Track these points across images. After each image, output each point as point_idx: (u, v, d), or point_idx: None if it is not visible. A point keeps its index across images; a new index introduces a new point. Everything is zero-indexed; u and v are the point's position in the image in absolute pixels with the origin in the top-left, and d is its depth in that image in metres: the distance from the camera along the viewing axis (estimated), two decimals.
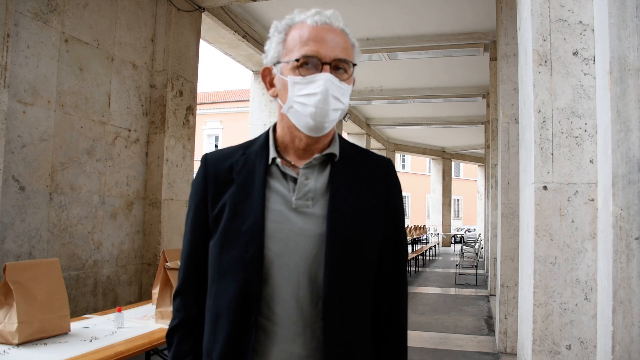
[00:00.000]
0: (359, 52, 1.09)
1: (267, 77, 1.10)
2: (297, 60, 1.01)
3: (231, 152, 1.11)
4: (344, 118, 11.49)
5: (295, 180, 1.04)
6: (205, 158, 1.12)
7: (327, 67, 1.00)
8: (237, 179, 1.05)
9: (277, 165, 1.06)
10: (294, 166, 1.07)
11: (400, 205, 1.15)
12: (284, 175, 1.05)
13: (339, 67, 1.02)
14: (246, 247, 1.00)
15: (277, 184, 1.05)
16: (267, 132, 1.12)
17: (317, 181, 1.05)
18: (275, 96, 1.08)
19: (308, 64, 1.01)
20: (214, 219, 1.05)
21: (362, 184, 1.08)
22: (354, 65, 1.05)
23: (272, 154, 1.07)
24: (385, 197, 1.10)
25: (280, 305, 1.00)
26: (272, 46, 1.06)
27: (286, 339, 0.99)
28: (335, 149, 1.08)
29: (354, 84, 1.08)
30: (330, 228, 1.00)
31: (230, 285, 1.01)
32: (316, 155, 1.06)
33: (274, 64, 1.06)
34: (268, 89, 1.10)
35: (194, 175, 1.13)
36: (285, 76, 1.03)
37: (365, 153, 1.15)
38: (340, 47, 1.02)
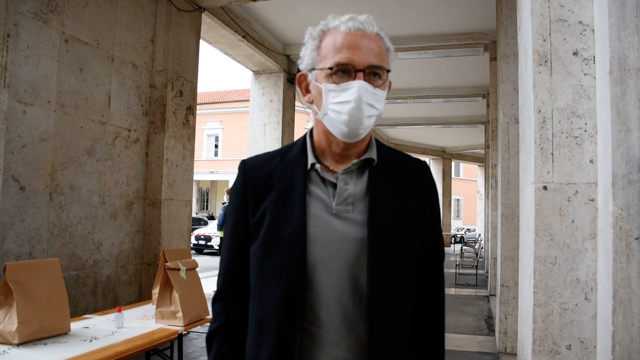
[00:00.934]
0: (394, 55, 1.09)
1: (302, 83, 1.11)
2: (330, 68, 1.02)
3: (269, 158, 1.12)
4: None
5: (334, 185, 1.06)
6: (244, 165, 1.13)
7: (360, 75, 1.00)
8: (277, 185, 1.06)
9: (316, 171, 1.07)
10: (332, 171, 1.08)
11: (437, 208, 1.17)
12: (323, 180, 1.07)
13: (374, 73, 1.02)
14: (289, 252, 1.01)
15: (316, 190, 1.06)
16: (304, 138, 1.13)
17: (356, 186, 1.06)
18: (311, 102, 1.09)
19: (342, 72, 1.01)
20: (255, 224, 1.07)
21: (400, 188, 1.09)
22: (388, 70, 1.05)
23: (311, 159, 1.08)
24: (423, 200, 1.12)
25: (324, 309, 1.01)
26: (307, 53, 1.07)
27: (331, 342, 1.01)
28: (373, 153, 1.09)
29: (390, 88, 1.09)
30: (372, 232, 1.02)
31: (275, 291, 1.02)
32: (355, 161, 1.07)
33: (309, 71, 1.07)
34: (304, 95, 1.12)
35: (234, 181, 1.15)
36: (319, 83, 1.04)
37: (402, 157, 1.16)
38: (375, 53, 1.02)
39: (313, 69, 1.06)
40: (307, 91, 1.10)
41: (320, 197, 1.05)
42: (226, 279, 1.13)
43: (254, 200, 1.08)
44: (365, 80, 1.01)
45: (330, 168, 1.08)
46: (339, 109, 1.01)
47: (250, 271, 1.09)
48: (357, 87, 1.00)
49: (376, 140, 1.14)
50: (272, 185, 1.07)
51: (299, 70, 1.12)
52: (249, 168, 1.12)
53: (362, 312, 1.01)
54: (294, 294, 1.01)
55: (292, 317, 1.01)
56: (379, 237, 1.02)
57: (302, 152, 1.10)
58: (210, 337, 1.12)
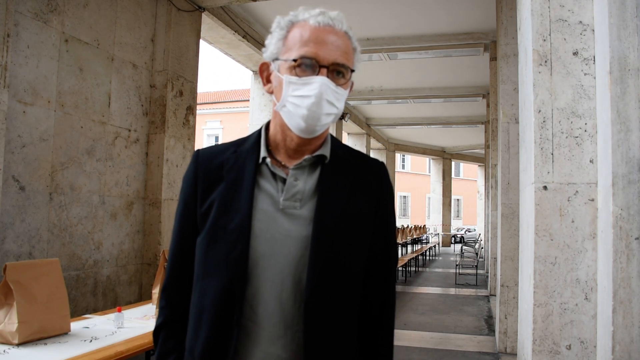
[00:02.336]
0: (359, 56, 1.07)
1: (264, 72, 1.08)
2: (294, 60, 0.99)
3: (223, 150, 1.10)
4: (343, 118, 11.50)
5: (284, 180, 1.03)
6: (197, 154, 1.11)
7: (324, 71, 0.99)
8: (227, 177, 1.04)
9: (267, 165, 1.05)
10: (284, 166, 1.05)
11: (391, 210, 1.14)
12: (274, 175, 1.04)
13: (337, 71, 1.00)
14: (232, 245, 0.99)
15: (266, 184, 1.04)
16: (259, 130, 1.11)
17: (306, 182, 1.04)
18: (271, 92, 1.07)
19: (306, 65, 0.99)
20: (202, 215, 1.04)
21: (352, 187, 1.06)
22: (352, 71, 1.03)
23: (263, 153, 1.05)
24: (376, 201, 1.09)
25: (262, 306, 0.99)
26: (272, 42, 1.05)
27: (267, 340, 0.99)
28: (326, 150, 1.07)
29: (351, 89, 1.07)
30: (316, 230, 0.99)
31: (215, 284, 1.00)
32: (306, 157, 1.05)
33: (273, 60, 1.05)
34: (264, 84, 1.09)
35: (184, 174, 1.13)
36: (281, 74, 1.02)
37: (358, 155, 1.14)
38: (341, 50, 1.00)
39: (277, 59, 1.03)
40: (268, 81, 1.08)
41: (269, 191, 1.03)
42: (172, 271, 1.11)
43: (202, 191, 1.06)
44: (328, 77, 0.99)
45: (283, 163, 1.06)
46: (299, 102, 0.99)
47: (195, 262, 1.06)
48: (319, 82, 0.98)
49: (332, 137, 1.12)
50: (222, 177, 1.05)
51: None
52: (201, 159, 1.09)
53: (301, 311, 0.99)
54: (232, 288, 0.98)
55: (229, 311, 0.98)
56: (324, 236, 0.99)
57: (256, 144, 1.08)
58: (156, 333, 1.11)
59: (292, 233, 1.00)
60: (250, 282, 0.99)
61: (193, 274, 1.07)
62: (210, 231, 1.02)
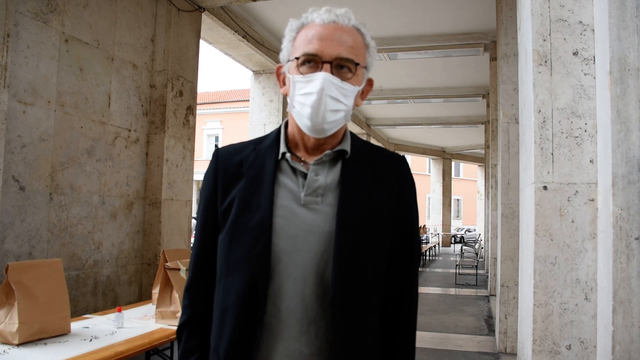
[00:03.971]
0: (374, 52, 1.06)
1: (280, 75, 1.09)
2: (297, 58, 1.00)
3: (242, 147, 1.10)
4: None
5: (305, 175, 1.03)
6: (217, 152, 1.11)
7: (327, 66, 0.98)
8: (246, 174, 1.04)
9: (287, 161, 1.04)
10: (304, 162, 1.05)
11: (414, 204, 1.13)
12: (294, 170, 1.04)
13: (343, 65, 1.00)
14: (254, 242, 0.98)
15: (286, 180, 1.03)
16: (279, 128, 1.11)
17: (327, 177, 1.03)
18: (286, 94, 1.07)
19: (310, 62, 0.99)
20: (222, 213, 1.04)
21: (373, 181, 1.06)
22: (362, 66, 1.03)
23: (282, 149, 1.05)
24: (398, 195, 1.08)
25: (285, 302, 0.98)
26: (285, 45, 1.06)
27: (290, 336, 0.98)
28: (346, 145, 1.07)
29: (371, 86, 1.07)
30: (340, 225, 0.99)
31: (238, 281, 1.00)
32: (327, 152, 1.04)
33: (286, 62, 1.06)
34: (281, 87, 1.10)
35: (205, 173, 1.13)
36: (291, 74, 1.02)
37: (378, 150, 1.13)
38: (346, 45, 0.99)
39: (288, 60, 1.04)
40: (284, 83, 1.08)
41: (290, 187, 1.02)
42: (195, 270, 1.11)
43: (223, 189, 1.05)
44: (332, 72, 0.98)
45: (302, 159, 1.05)
46: (304, 100, 0.99)
47: (217, 261, 1.06)
48: (321, 78, 0.97)
49: (351, 133, 1.11)
50: (242, 174, 1.04)
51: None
52: (221, 157, 1.10)
53: (324, 306, 0.98)
54: (256, 286, 0.98)
55: (252, 308, 0.98)
56: (347, 231, 0.99)
57: (276, 141, 1.08)
58: (179, 331, 1.11)
59: (314, 228, 1.00)
60: (273, 279, 0.99)
61: (215, 272, 1.07)
62: (231, 229, 1.02)
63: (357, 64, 1.01)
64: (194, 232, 1.13)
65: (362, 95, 1.09)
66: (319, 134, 1.02)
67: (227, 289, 1.02)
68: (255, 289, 0.98)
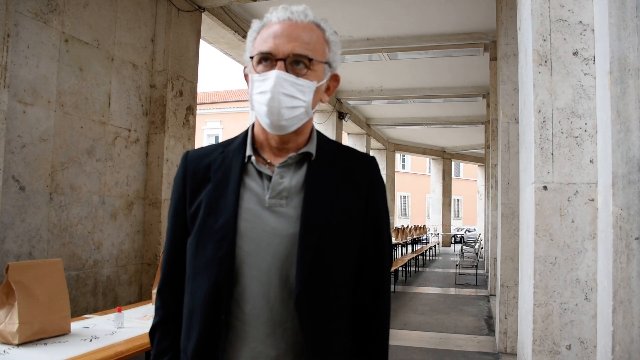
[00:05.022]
0: (336, 47, 1.05)
1: (247, 76, 1.08)
2: (251, 57, 1.01)
3: (211, 150, 1.10)
4: (343, 118, 11.49)
5: (270, 178, 1.03)
6: (186, 156, 1.11)
7: (280, 64, 0.97)
8: (213, 177, 1.04)
9: (252, 163, 1.05)
10: (269, 164, 1.05)
11: (383, 205, 1.12)
12: (260, 173, 1.04)
13: (299, 62, 0.99)
14: (218, 245, 0.99)
15: (252, 183, 1.03)
16: (246, 130, 1.11)
17: (292, 180, 1.03)
18: None
19: (266, 61, 0.99)
20: (191, 216, 1.05)
21: (340, 182, 1.05)
22: (321, 61, 1.02)
23: (249, 151, 1.05)
24: (366, 196, 1.07)
25: (250, 304, 0.99)
26: (247, 46, 1.06)
27: (256, 338, 0.99)
28: (312, 147, 1.06)
29: (337, 81, 1.06)
30: (304, 228, 0.99)
31: (203, 284, 1.01)
32: (292, 154, 1.04)
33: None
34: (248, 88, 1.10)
35: (174, 177, 1.14)
36: (250, 74, 1.03)
37: (347, 150, 1.13)
38: (301, 41, 0.99)
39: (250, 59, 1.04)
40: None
41: (255, 190, 1.03)
42: (165, 272, 1.12)
43: (191, 192, 1.06)
44: (287, 69, 0.98)
45: (268, 161, 1.05)
46: (260, 99, 0.99)
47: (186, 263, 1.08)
48: (274, 76, 0.97)
49: (319, 133, 1.11)
50: (209, 178, 1.05)
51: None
52: (190, 160, 1.10)
53: (290, 308, 0.98)
54: (220, 288, 0.99)
55: (217, 311, 0.99)
56: (311, 233, 0.98)
57: (243, 144, 1.07)
58: (152, 333, 1.12)
59: (278, 231, 1.00)
60: (238, 281, 0.99)
61: (184, 274, 1.08)
62: (198, 232, 1.03)
63: (311, 60, 1.00)
64: (165, 234, 1.15)
65: (328, 91, 1.08)
66: (279, 131, 1.02)
67: (194, 291, 1.03)
68: (219, 291, 0.99)
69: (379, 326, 1.12)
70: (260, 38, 1.01)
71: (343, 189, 1.05)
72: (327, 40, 1.04)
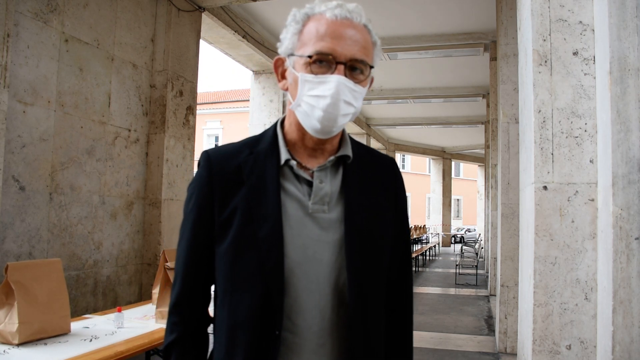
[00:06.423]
0: (379, 51, 1.02)
1: (279, 68, 1.02)
2: (309, 56, 0.93)
3: (236, 151, 1.02)
4: None
5: (308, 183, 0.99)
6: (208, 156, 1.02)
7: (341, 68, 0.92)
8: (247, 181, 0.97)
9: (291, 167, 0.99)
10: (305, 168, 1.00)
11: (406, 204, 1.15)
12: (297, 177, 0.99)
13: (356, 67, 0.94)
14: (266, 255, 0.93)
15: (291, 187, 0.98)
16: (274, 130, 1.04)
17: (332, 184, 1.00)
18: (286, 89, 1.01)
19: (322, 62, 0.93)
20: (222, 223, 0.97)
21: (373, 185, 1.04)
22: (371, 66, 0.97)
23: (284, 154, 0.99)
24: (394, 196, 1.08)
25: (301, 316, 0.95)
26: (287, 36, 0.98)
27: (309, 350, 0.95)
28: (348, 150, 1.03)
29: (371, 85, 1.02)
30: (348, 233, 0.96)
31: (248, 297, 0.94)
32: (330, 158, 1.01)
33: (288, 56, 0.98)
34: (279, 81, 1.03)
35: (195, 174, 1.04)
36: (297, 71, 0.95)
37: (373, 153, 1.12)
38: (360, 45, 0.94)
39: (292, 54, 0.97)
40: (283, 77, 1.01)
41: (296, 195, 0.97)
42: (184, 285, 1.02)
43: (221, 196, 0.97)
44: (346, 74, 0.93)
45: (303, 164, 1.00)
46: (314, 102, 0.93)
47: (216, 274, 1.00)
48: (335, 82, 0.91)
49: (349, 135, 1.08)
50: (242, 181, 0.97)
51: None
52: (214, 161, 1.00)
53: (341, 316, 0.95)
54: (271, 301, 0.92)
55: (268, 325, 0.93)
56: (356, 238, 0.96)
57: (274, 145, 1.01)
58: (167, 349, 1.02)
59: (324, 237, 0.96)
60: (288, 293, 0.94)
61: (208, 286, 1.03)
62: (236, 240, 0.95)
63: (370, 66, 0.97)
64: (180, 243, 1.05)
65: None
66: (325, 136, 0.98)
67: (235, 305, 0.96)
68: (271, 304, 0.93)
69: (409, 328, 1.14)
70: (314, 34, 0.93)
71: (375, 191, 1.04)
72: (373, 43, 0.99)
